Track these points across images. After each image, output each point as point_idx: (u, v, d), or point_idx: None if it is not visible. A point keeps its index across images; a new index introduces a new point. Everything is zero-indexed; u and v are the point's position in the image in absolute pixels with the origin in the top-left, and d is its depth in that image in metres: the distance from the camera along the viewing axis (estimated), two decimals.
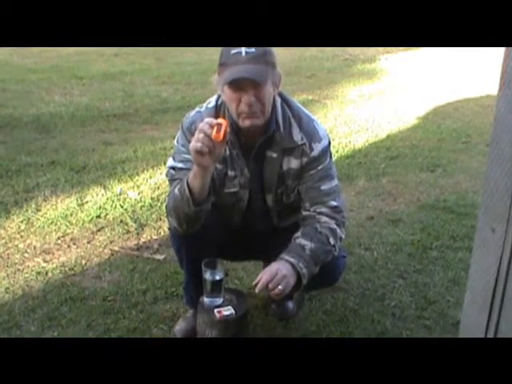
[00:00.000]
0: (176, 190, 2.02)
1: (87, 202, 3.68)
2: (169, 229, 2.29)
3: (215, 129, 1.84)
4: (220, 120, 1.88)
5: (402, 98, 6.49)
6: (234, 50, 1.94)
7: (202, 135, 1.84)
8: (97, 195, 3.77)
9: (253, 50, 1.93)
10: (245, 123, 2.03)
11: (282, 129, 2.13)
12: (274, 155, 2.15)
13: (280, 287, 1.96)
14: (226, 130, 1.86)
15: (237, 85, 1.96)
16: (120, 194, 3.80)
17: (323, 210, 2.15)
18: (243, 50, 1.93)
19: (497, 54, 4.45)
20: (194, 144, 1.85)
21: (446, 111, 6.05)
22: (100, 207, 3.60)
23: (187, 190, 1.95)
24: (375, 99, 6.47)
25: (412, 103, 6.25)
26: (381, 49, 9.12)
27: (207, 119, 1.89)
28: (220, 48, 2.01)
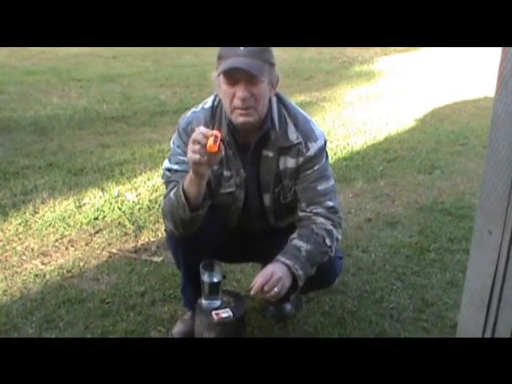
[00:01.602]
0: (172, 195, 2.03)
1: (85, 204, 3.68)
2: (165, 231, 2.29)
3: (211, 139, 1.83)
4: (215, 132, 1.86)
5: (400, 100, 6.50)
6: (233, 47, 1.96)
7: (198, 146, 1.83)
8: (95, 197, 3.77)
9: (251, 47, 1.94)
10: (238, 119, 2.03)
11: (277, 127, 2.13)
12: (270, 154, 2.15)
13: (276, 289, 1.97)
14: (220, 143, 1.86)
15: (231, 76, 1.97)
16: (118, 196, 3.80)
17: (319, 210, 2.15)
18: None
19: (494, 56, 4.46)
20: (192, 155, 1.85)
21: (443, 113, 6.06)
22: (98, 209, 3.60)
23: (183, 197, 1.96)
24: (373, 101, 6.48)
25: (410, 105, 6.26)
26: (378, 51, 9.14)
27: (202, 129, 1.87)
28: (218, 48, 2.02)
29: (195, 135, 1.85)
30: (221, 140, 1.86)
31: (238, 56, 1.94)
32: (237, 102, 1.99)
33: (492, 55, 6.47)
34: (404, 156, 4.75)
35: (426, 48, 9.38)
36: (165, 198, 2.12)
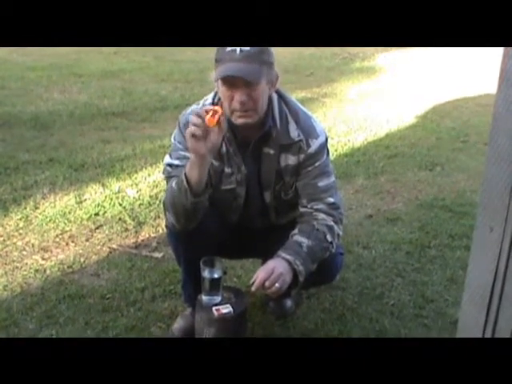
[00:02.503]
0: (174, 184, 2.03)
1: (86, 199, 3.68)
2: (166, 226, 2.29)
3: (210, 113, 1.87)
4: (216, 107, 1.91)
5: (401, 97, 6.49)
6: (230, 48, 1.95)
7: (195, 118, 1.88)
8: (95, 193, 3.77)
9: (248, 48, 1.94)
10: (237, 121, 2.04)
11: (278, 125, 2.13)
12: (271, 152, 2.15)
13: (277, 285, 1.97)
14: (219, 118, 1.89)
15: (229, 82, 1.97)
16: (118, 191, 3.80)
17: (320, 206, 2.15)
18: (238, 47, 1.94)
19: (496, 53, 4.46)
20: (189, 128, 1.89)
21: (444, 110, 6.05)
22: (98, 205, 3.60)
23: (185, 182, 1.96)
24: (374, 98, 6.47)
25: (411, 102, 6.25)
26: (380, 47, 9.12)
27: (205, 107, 1.93)
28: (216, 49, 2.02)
29: (197, 111, 1.92)
30: (219, 117, 1.89)
31: (235, 61, 1.94)
32: (235, 105, 2.00)
33: (494, 52, 6.46)
34: (405, 152, 4.75)
35: None
36: (166, 191, 2.13)
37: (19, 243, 3.14)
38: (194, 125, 1.88)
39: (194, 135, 1.88)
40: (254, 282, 1.99)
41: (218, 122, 1.89)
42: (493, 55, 6.53)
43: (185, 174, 1.98)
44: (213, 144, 1.94)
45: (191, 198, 1.98)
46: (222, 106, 2.05)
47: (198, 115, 1.89)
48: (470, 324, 1.50)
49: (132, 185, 3.93)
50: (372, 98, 6.44)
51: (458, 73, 7.66)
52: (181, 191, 1.99)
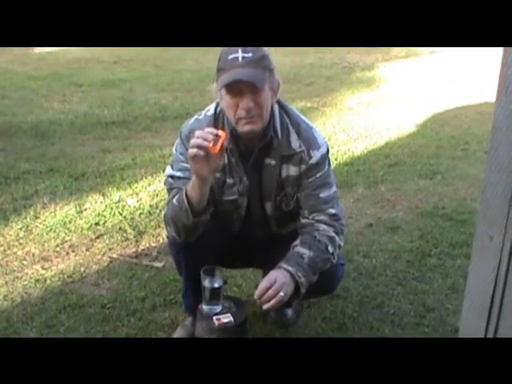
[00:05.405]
0: (174, 201, 2.03)
1: (86, 209, 3.68)
2: (167, 236, 2.29)
3: (212, 140, 1.85)
4: (220, 132, 1.89)
5: (401, 106, 6.50)
6: (231, 56, 1.95)
7: (198, 141, 1.85)
8: (95, 202, 3.77)
9: (250, 54, 1.94)
10: (244, 128, 2.03)
11: (280, 136, 2.13)
12: (273, 162, 2.15)
13: (281, 293, 1.96)
14: (223, 143, 1.87)
15: (234, 89, 1.97)
16: (119, 201, 3.80)
17: (322, 217, 2.15)
18: (240, 55, 1.94)
19: (495, 61, 4.47)
20: (190, 150, 1.86)
21: (444, 118, 6.06)
22: (99, 214, 3.60)
23: (186, 201, 1.96)
24: (374, 107, 6.48)
25: (411, 110, 6.26)
26: (379, 56, 9.15)
27: (207, 129, 1.90)
28: (219, 53, 2.01)
29: (198, 133, 1.88)
30: (222, 142, 1.87)
31: (238, 67, 1.94)
32: (241, 113, 1.99)
33: (493, 60, 6.47)
34: (405, 161, 4.75)
35: (426, 54, 9.41)
36: (167, 204, 2.12)
37: (19, 253, 3.14)
38: (195, 147, 1.86)
39: (195, 157, 1.87)
40: (260, 297, 1.98)
41: (221, 148, 1.88)
42: (492, 63, 6.54)
43: (186, 193, 1.97)
44: (215, 167, 1.94)
45: (192, 218, 1.98)
46: (224, 127, 2.05)
47: (201, 137, 1.86)
48: (470, 332, 1.50)
49: (132, 194, 3.93)
50: (372, 107, 6.45)
51: (457, 81, 7.67)
52: (182, 210, 1.98)
